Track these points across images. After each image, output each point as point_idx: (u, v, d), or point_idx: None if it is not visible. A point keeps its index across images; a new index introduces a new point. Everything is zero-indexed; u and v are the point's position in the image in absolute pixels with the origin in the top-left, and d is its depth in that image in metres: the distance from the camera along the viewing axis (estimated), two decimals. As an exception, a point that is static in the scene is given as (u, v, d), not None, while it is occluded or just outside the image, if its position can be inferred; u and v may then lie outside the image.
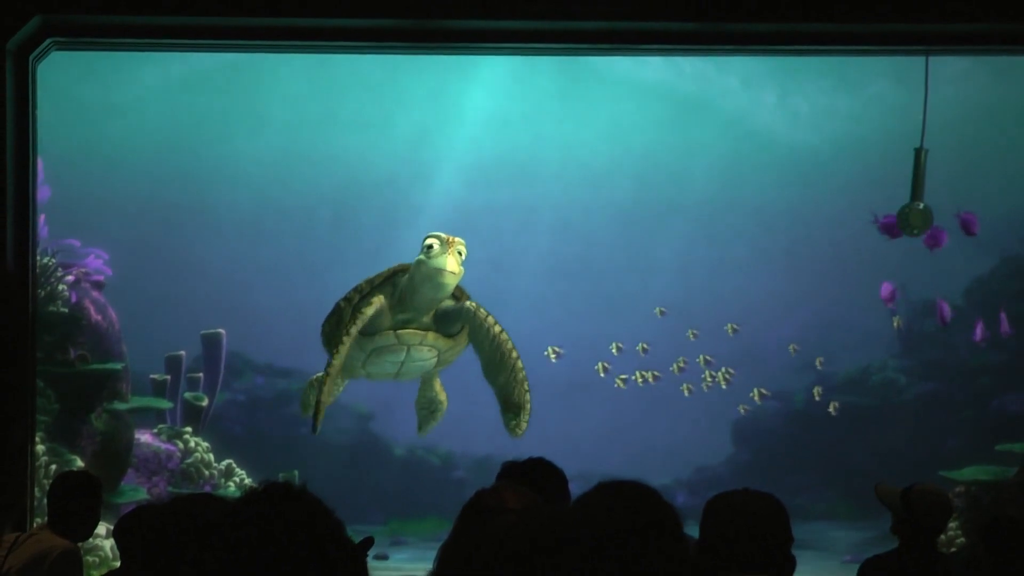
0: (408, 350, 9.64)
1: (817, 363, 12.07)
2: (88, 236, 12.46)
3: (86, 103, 18.07)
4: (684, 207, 19.71)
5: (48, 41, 7.64)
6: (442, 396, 10.41)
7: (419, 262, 9.28)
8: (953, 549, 11.22)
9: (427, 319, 9.60)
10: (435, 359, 9.77)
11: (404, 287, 9.54)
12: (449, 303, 9.63)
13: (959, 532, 11.60)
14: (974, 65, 16.88)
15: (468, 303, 9.59)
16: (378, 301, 9.45)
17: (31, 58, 7.62)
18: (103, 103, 18.57)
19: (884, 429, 16.97)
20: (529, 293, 19.35)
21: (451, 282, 9.23)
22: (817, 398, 11.41)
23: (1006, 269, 17.08)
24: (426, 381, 10.37)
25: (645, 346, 11.89)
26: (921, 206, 8.88)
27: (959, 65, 16.30)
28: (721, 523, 3.26)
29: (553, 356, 11.58)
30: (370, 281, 9.71)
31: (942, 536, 5.60)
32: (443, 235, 9.23)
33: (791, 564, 3.31)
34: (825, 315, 19.18)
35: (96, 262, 12.32)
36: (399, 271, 9.63)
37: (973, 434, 14.90)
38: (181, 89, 18.83)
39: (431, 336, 9.60)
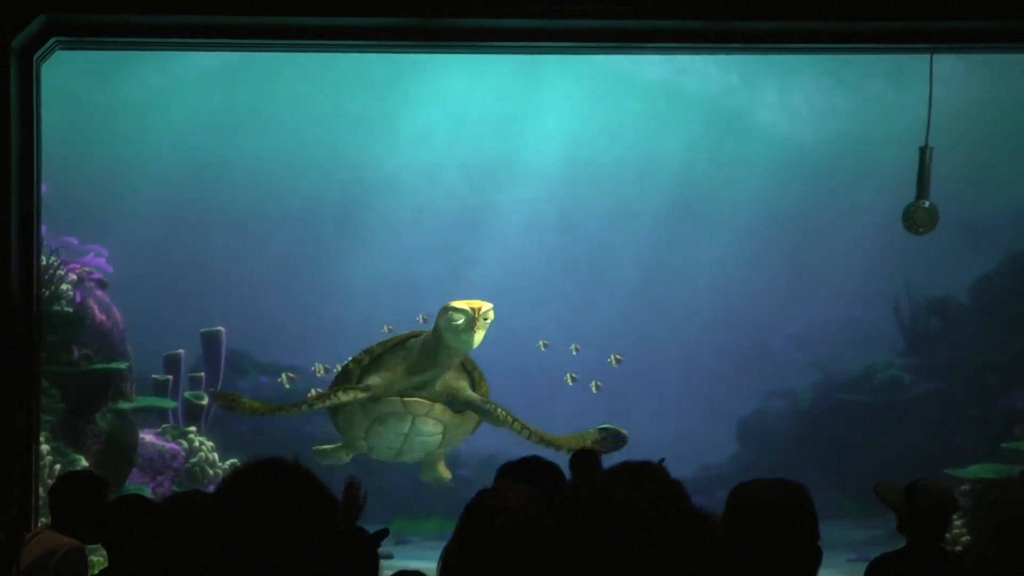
0: (413, 422, 9.58)
1: (573, 349, 11.96)
2: (86, 234, 12.45)
3: (89, 101, 18.07)
4: (688, 205, 19.72)
5: (52, 40, 7.64)
6: (447, 475, 10.46)
7: (449, 330, 9.24)
8: (958, 547, 11.21)
9: (439, 388, 9.57)
10: (439, 436, 9.70)
11: (419, 350, 9.51)
12: (465, 385, 9.66)
13: (964, 530, 11.58)
14: (978, 64, 16.86)
15: (491, 405, 9.62)
16: (385, 378, 9.52)
17: (35, 57, 7.61)
18: (106, 102, 18.57)
19: (889, 427, 16.95)
20: (534, 291, 19.34)
21: (472, 349, 9.34)
22: (570, 383, 11.32)
23: (1011, 267, 17.05)
24: (428, 464, 10.32)
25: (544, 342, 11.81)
26: (927, 204, 8.85)
27: (963, 64, 16.28)
28: (746, 514, 3.22)
29: (614, 362, 11.54)
30: (382, 344, 9.73)
31: (947, 534, 5.58)
32: (469, 309, 9.18)
33: (817, 557, 3.27)
34: (830, 313, 19.18)
35: (98, 260, 12.32)
36: (412, 336, 9.65)
37: (979, 432, 14.87)
38: (185, 88, 18.84)
39: (438, 409, 9.56)
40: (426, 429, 9.62)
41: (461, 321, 9.15)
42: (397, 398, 9.50)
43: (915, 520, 5.08)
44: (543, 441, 9.48)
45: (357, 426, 9.73)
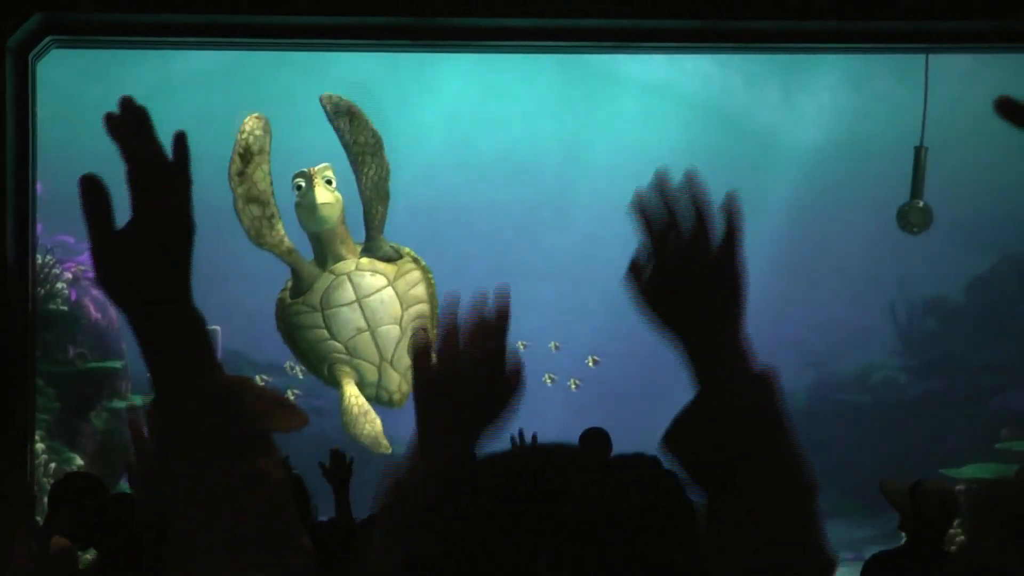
0: (351, 281, 9.50)
1: (553, 347, 11.62)
2: (82, 233, 12.40)
3: (83, 99, 18.04)
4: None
5: (48, 39, 7.62)
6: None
7: (296, 206, 9.37)
8: (953, 547, 11.21)
9: (344, 252, 9.56)
10: (391, 290, 9.58)
11: (312, 242, 9.62)
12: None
13: (959, 531, 11.59)
14: (977, 63, 16.86)
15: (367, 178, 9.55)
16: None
17: (30, 56, 7.59)
18: (101, 100, 18.52)
19: (885, 427, 16.95)
20: (529, 292, 19.32)
21: (330, 212, 9.29)
22: (549, 383, 11.03)
23: (1006, 267, 17.07)
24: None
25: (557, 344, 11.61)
26: (921, 204, 8.86)
27: (962, 63, 16.27)
28: None
29: (591, 364, 11.42)
30: (291, 250, 9.78)
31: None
32: (305, 170, 9.38)
33: None
34: (826, 313, 19.17)
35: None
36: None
37: (974, 432, 14.88)
38: (180, 87, 18.81)
39: (364, 260, 9.52)
40: (368, 283, 9.49)
41: (303, 184, 9.30)
42: (325, 273, 9.51)
43: (916, 520, 5.08)
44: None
45: (316, 331, 9.62)
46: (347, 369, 9.59)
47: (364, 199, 9.63)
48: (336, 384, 9.67)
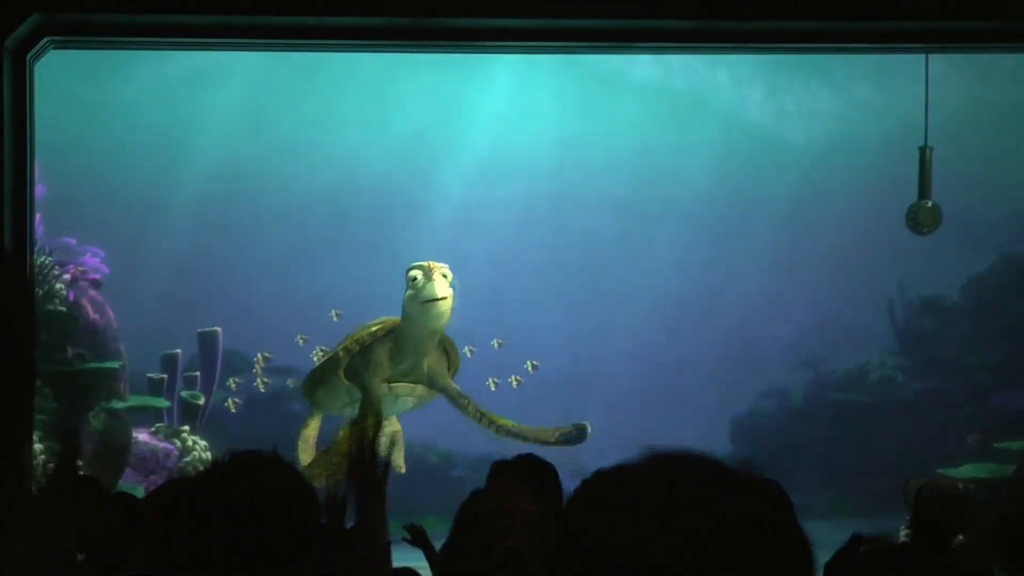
0: (395, 398, 9.67)
1: (495, 344, 11.46)
2: (84, 234, 12.43)
3: (82, 101, 18.05)
4: (681, 203, 19.72)
5: (45, 40, 7.62)
6: (397, 426, 10.22)
7: (409, 297, 9.13)
8: (953, 547, 11.21)
9: (423, 366, 9.51)
10: (415, 400, 9.77)
11: (401, 333, 9.40)
12: (444, 369, 9.66)
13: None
14: (975, 64, 16.88)
15: (464, 400, 9.59)
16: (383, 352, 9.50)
17: (28, 57, 7.59)
18: (100, 101, 18.55)
19: (882, 427, 16.96)
20: (526, 289, 19.34)
21: (444, 308, 9.09)
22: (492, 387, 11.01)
23: (1003, 266, 17.08)
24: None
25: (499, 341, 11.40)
26: (929, 204, 8.87)
27: (960, 64, 16.30)
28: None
29: (531, 369, 11.21)
30: (372, 334, 9.58)
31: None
32: (424, 264, 9.10)
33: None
34: (823, 313, 19.19)
35: (92, 260, 12.30)
36: (397, 324, 9.51)
37: (971, 432, 14.89)
38: (178, 87, 18.82)
39: (420, 389, 9.57)
40: (404, 403, 9.73)
41: (420, 276, 9.04)
42: (384, 385, 9.49)
43: (917, 519, 5.10)
44: (510, 434, 9.46)
45: (339, 400, 9.89)
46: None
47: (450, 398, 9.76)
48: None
